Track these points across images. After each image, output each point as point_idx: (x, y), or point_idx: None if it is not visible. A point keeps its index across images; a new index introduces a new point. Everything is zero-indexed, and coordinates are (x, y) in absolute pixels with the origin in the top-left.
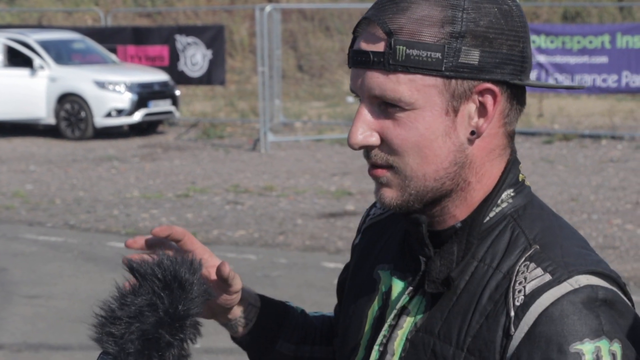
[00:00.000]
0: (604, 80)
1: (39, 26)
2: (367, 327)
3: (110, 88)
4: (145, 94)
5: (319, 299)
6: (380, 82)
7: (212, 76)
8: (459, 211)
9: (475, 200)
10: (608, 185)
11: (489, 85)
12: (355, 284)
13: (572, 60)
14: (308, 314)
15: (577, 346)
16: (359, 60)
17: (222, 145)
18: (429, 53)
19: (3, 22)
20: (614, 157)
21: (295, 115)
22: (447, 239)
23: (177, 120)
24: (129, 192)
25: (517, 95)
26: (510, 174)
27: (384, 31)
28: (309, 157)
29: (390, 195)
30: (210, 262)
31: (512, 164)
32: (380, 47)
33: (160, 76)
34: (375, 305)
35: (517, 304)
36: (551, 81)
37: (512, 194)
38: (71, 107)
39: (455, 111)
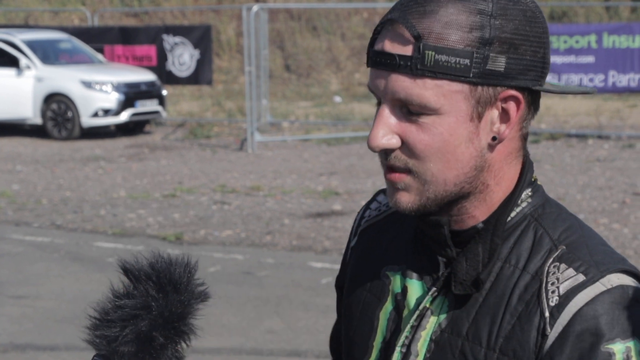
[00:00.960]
0: (591, 80)
1: (26, 26)
2: (380, 330)
3: (97, 88)
4: (132, 94)
5: (306, 298)
6: (406, 86)
7: (200, 76)
8: (478, 212)
9: (494, 202)
10: (594, 184)
11: (513, 92)
12: (359, 286)
13: (558, 60)
14: None
15: (608, 345)
16: (382, 62)
17: (209, 145)
18: (457, 59)
19: None
20: (601, 157)
21: (282, 115)
22: (469, 240)
23: (164, 120)
24: (115, 192)
25: (536, 100)
26: (528, 174)
27: (411, 34)
28: (296, 157)
29: (407, 199)
30: None
31: (528, 164)
32: (407, 50)
33: (147, 76)
34: (388, 307)
35: (552, 304)
36: None
37: (530, 194)
38: (58, 107)
39: (480, 117)
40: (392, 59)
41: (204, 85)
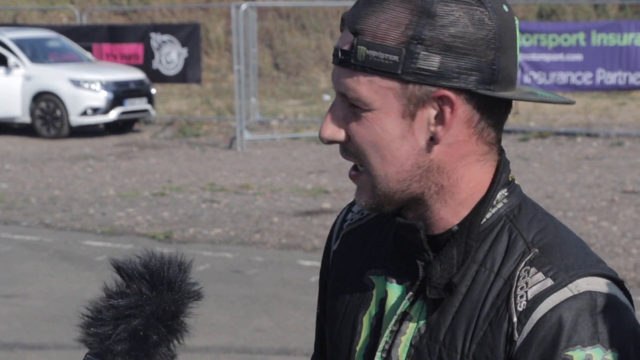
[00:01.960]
0: (579, 78)
1: (14, 24)
2: (364, 334)
3: (85, 86)
4: (121, 92)
5: (295, 297)
6: (345, 80)
7: (188, 74)
8: (444, 213)
9: (459, 202)
10: (583, 182)
11: (446, 92)
12: (343, 290)
13: (547, 58)
14: None
15: (567, 352)
16: (334, 56)
17: (198, 144)
18: (387, 55)
19: None
20: (589, 155)
21: (271, 114)
22: (444, 243)
23: (153, 119)
24: (104, 190)
25: (489, 105)
26: (503, 174)
27: (350, 31)
28: (285, 155)
29: (364, 197)
30: None
31: (503, 165)
32: (347, 46)
33: (136, 74)
34: (371, 311)
35: (520, 309)
36: (526, 79)
37: (506, 194)
38: (46, 106)
39: (412, 115)
40: (337, 54)
41: (193, 84)
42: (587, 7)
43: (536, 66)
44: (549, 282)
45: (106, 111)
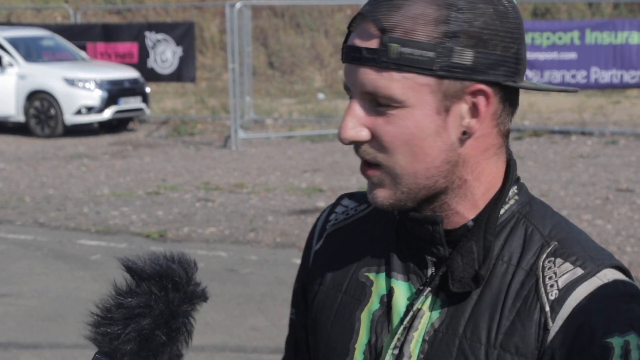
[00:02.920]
0: (573, 77)
1: (8, 23)
2: (362, 331)
3: (80, 85)
4: (115, 91)
5: (289, 295)
6: (373, 79)
7: (183, 73)
8: (461, 207)
9: (476, 198)
10: (578, 180)
11: (481, 86)
12: (330, 289)
13: (541, 56)
14: None
15: (607, 339)
16: (352, 56)
17: (192, 143)
18: (422, 52)
19: None
20: (584, 153)
21: (266, 112)
22: (459, 238)
23: (148, 118)
24: (99, 189)
25: (510, 96)
26: (514, 171)
27: (377, 28)
28: (279, 153)
29: (383, 194)
30: None
31: (513, 162)
32: (373, 43)
33: (130, 73)
34: (370, 309)
35: (552, 297)
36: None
37: (516, 191)
38: (41, 105)
39: (447, 111)
40: (359, 53)
41: (188, 83)
42: (582, 6)
43: (530, 65)
44: (579, 270)
45: (100, 110)
